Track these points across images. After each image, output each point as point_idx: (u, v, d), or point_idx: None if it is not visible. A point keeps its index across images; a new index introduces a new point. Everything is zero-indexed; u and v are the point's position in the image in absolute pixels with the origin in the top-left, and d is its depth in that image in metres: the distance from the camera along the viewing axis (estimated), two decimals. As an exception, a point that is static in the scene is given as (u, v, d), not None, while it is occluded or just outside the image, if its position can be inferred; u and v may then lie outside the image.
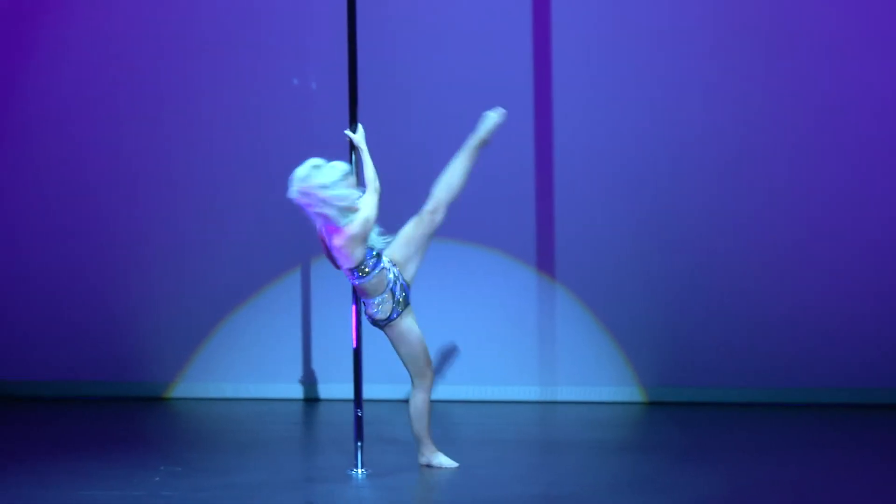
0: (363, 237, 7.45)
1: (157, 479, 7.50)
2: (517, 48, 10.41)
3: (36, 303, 10.89)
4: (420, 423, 7.73)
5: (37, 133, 10.87)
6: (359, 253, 7.48)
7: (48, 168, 10.86)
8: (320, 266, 10.17)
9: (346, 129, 7.78)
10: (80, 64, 10.81)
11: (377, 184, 7.54)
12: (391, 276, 7.60)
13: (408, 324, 7.65)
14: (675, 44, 10.25)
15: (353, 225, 7.42)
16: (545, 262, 10.42)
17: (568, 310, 10.38)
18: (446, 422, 9.44)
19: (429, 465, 7.77)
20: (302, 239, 10.26)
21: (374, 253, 7.57)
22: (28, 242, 10.88)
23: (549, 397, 10.39)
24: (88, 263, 10.83)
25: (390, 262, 7.64)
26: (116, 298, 10.81)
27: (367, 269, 7.53)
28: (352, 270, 7.54)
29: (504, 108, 8.04)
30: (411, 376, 7.71)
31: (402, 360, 7.73)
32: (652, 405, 10.24)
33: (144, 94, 10.75)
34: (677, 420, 9.63)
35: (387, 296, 7.58)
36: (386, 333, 7.70)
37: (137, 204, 10.79)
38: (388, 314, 7.60)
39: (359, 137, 7.69)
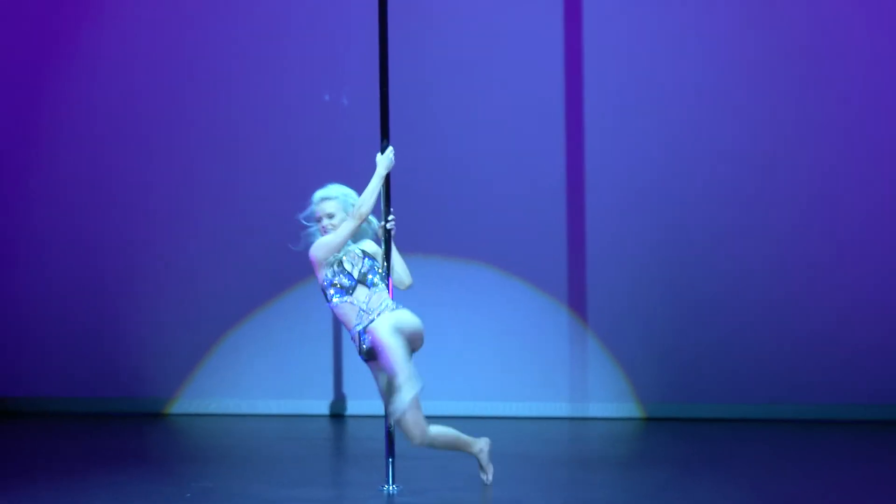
0: (322, 260, 7.37)
1: (189, 495, 7.47)
2: (548, 64, 10.41)
3: (38, 320, 10.88)
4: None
5: (50, 150, 10.88)
6: (321, 274, 7.44)
7: (53, 186, 10.86)
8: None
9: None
10: (106, 77, 10.82)
11: (362, 210, 7.37)
12: (361, 321, 7.40)
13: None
14: (703, 63, 10.24)
15: (315, 245, 7.41)
16: (574, 297, 10.42)
17: (571, 326, 10.39)
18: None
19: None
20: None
21: (336, 282, 7.41)
22: (28, 261, 10.87)
23: (578, 413, 10.39)
24: (91, 281, 10.81)
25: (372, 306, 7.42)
26: (118, 315, 10.79)
27: (330, 293, 7.44)
28: (322, 290, 7.51)
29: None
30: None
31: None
32: (650, 420, 10.25)
33: (169, 115, 10.76)
34: (679, 435, 9.67)
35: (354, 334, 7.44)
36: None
37: (140, 221, 10.79)
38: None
39: (380, 159, 7.59)
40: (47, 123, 10.87)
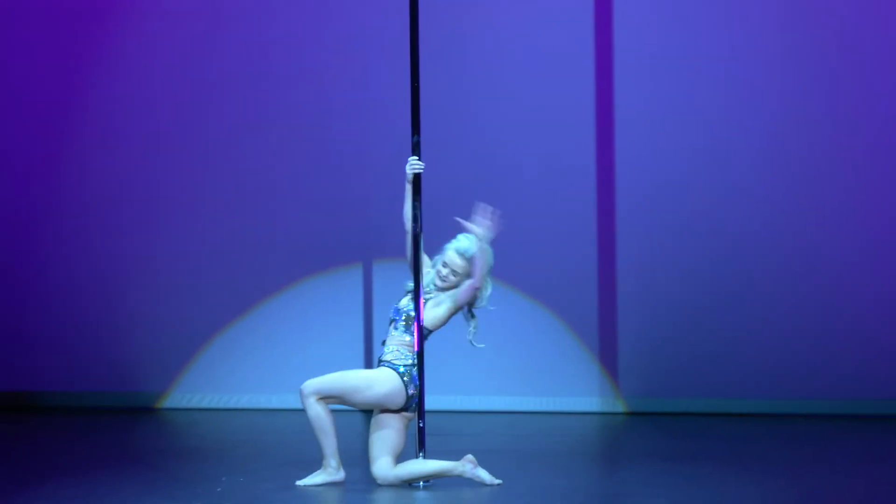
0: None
1: (219, 489, 7.46)
2: (579, 68, 10.41)
3: (32, 316, 10.87)
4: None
5: (55, 147, 10.88)
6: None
7: (54, 183, 10.85)
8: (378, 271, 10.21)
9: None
10: (122, 71, 10.81)
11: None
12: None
13: None
14: (735, 66, 10.22)
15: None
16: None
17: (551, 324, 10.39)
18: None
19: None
20: (345, 240, 10.26)
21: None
22: (24, 257, 10.85)
23: (609, 408, 10.40)
24: (87, 277, 10.81)
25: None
26: (113, 310, 10.79)
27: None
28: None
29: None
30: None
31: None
32: (633, 415, 10.32)
33: (176, 113, 10.75)
34: (661, 429, 9.71)
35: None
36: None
37: (137, 217, 10.78)
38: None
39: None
40: (54, 120, 10.85)
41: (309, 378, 7.41)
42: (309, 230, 10.61)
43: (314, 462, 7.74)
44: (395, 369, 7.37)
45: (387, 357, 7.44)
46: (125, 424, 9.97)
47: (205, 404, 10.69)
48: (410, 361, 7.40)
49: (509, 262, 10.37)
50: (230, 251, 10.70)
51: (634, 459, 8.71)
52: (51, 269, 10.83)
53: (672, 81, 10.32)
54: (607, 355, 10.37)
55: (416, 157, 7.51)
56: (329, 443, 7.40)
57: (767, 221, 10.25)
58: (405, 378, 7.37)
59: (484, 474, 7.40)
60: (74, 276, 10.81)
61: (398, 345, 7.43)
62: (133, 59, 10.77)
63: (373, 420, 7.46)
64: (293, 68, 10.66)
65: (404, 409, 7.43)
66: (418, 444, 7.58)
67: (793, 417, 10.09)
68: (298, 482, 7.45)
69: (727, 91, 10.27)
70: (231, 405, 10.68)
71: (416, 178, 7.52)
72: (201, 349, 10.74)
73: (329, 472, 7.45)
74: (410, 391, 7.38)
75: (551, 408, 10.42)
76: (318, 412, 7.33)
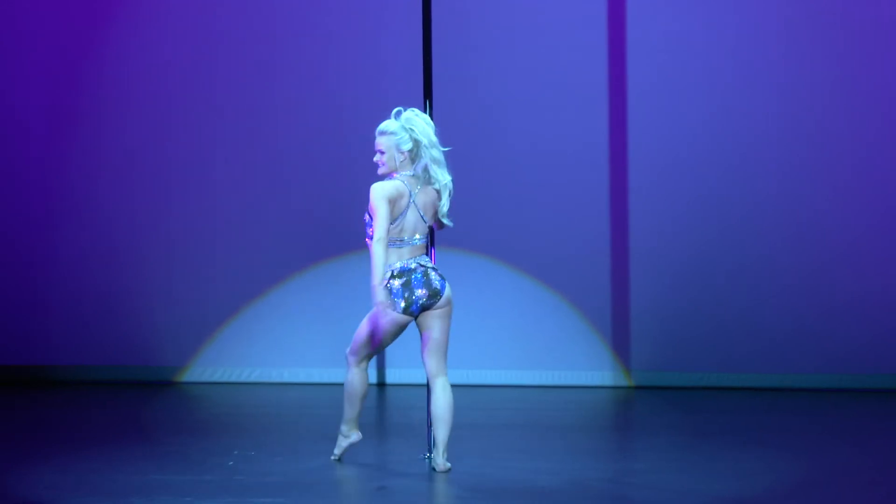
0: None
1: (231, 463, 7.47)
2: (591, 37, 10.36)
3: (51, 289, 10.88)
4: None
5: (65, 122, 10.86)
6: None
7: (68, 157, 10.83)
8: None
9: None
10: (134, 50, 10.78)
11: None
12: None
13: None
14: (747, 49, 10.18)
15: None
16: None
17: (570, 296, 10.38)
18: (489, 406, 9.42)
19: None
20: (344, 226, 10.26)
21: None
22: (42, 231, 10.85)
23: (620, 382, 10.38)
24: (105, 250, 10.80)
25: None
26: (131, 284, 10.79)
27: None
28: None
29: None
30: (441, 362, 7.37)
31: (436, 342, 7.31)
32: (646, 389, 10.27)
33: (189, 91, 10.71)
34: (675, 403, 9.70)
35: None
36: (437, 311, 7.29)
37: (158, 191, 10.77)
38: (441, 279, 7.32)
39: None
40: (69, 93, 10.83)
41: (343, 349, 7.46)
42: (329, 213, 10.57)
43: (329, 436, 7.74)
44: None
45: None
46: (143, 398, 10.00)
47: (224, 378, 10.69)
48: (388, 275, 7.23)
49: (521, 237, 10.39)
50: (253, 228, 10.68)
51: (644, 433, 8.71)
52: (70, 244, 10.83)
53: (685, 57, 10.26)
54: (619, 330, 10.34)
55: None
56: (349, 413, 7.42)
57: (779, 196, 10.20)
58: (389, 297, 7.21)
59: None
60: (95, 251, 10.81)
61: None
62: (145, 34, 10.74)
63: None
64: (312, 38, 10.63)
65: (421, 312, 7.26)
66: (429, 417, 7.57)
67: (802, 392, 10.06)
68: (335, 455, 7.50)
69: (740, 65, 10.21)
70: (252, 379, 10.67)
71: None
72: (222, 325, 10.74)
73: (345, 441, 7.48)
74: (399, 308, 7.22)
75: (561, 381, 10.39)
76: (351, 380, 7.36)
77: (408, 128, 7.23)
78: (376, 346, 7.34)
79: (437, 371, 7.29)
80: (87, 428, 8.81)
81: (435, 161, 7.26)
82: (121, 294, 10.79)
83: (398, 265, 7.23)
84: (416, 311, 7.24)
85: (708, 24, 10.25)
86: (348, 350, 7.39)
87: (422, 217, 7.26)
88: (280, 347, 10.68)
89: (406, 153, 7.24)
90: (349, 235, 10.03)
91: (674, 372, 10.32)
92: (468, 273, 10.31)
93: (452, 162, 7.15)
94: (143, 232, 10.78)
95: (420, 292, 7.22)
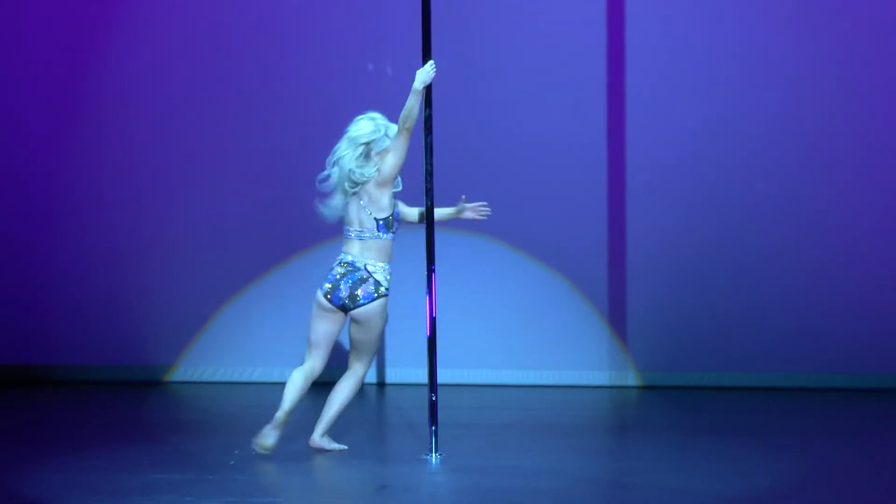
0: (389, 180, 7.52)
1: (232, 462, 7.46)
2: (591, 34, 10.36)
3: (44, 290, 10.86)
4: (342, 406, 7.68)
5: (64, 122, 10.84)
6: (386, 201, 7.54)
7: (66, 156, 10.81)
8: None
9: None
10: (136, 47, 10.76)
11: (408, 123, 7.45)
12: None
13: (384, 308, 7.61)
14: (747, 49, 10.18)
15: (383, 165, 7.52)
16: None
17: (569, 296, 10.36)
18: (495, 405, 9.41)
19: (322, 449, 7.69)
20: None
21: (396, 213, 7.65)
22: (34, 229, 10.83)
23: (619, 382, 10.37)
24: (99, 250, 10.77)
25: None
26: (126, 283, 10.77)
27: (395, 226, 7.62)
28: (378, 223, 7.54)
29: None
30: (355, 360, 7.68)
31: (355, 342, 7.65)
32: (647, 388, 10.24)
33: (190, 87, 10.69)
34: (676, 402, 9.67)
35: (387, 268, 7.58)
36: (354, 316, 7.57)
37: (148, 189, 10.75)
38: (371, 293, 7.53)
39: (419, 72, 7.55)
40: (67, 92, 10.82)
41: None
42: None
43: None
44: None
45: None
46: (143, 398, 10.00)
47: (213, 378, 10.67)
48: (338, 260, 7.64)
49: (521, 235, 10.38)
50: (235, 225, 10.66)
51: (644, 432, 8.70)
52: (71, 244, 10.81)
53: (684, 57, 10.25)
54: (618, 329, 10.33)
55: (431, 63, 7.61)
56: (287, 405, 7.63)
57: (778, 196, 10.20)
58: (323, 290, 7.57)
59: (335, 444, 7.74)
60: (95, 251, 10.79)
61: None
62: (147, 34, 10.73)
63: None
64: (311, 38, 10.62)
65: (341, 309, 7.54)
66: (430, 417, 7.57)
67: (803, 391, 10.05)
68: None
69: (740, 65, 10.21)
70: (252, 379, 10.66)
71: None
72: (223, 324, 10.72)
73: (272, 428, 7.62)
74: (325, 296, 7.54)
75: (561, 381, 10.38)
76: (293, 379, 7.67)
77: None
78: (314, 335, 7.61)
79: (350, 364, 7.71)
80: (88, 427, 8.81)
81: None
82: (121, 294, 10.78)
83: (349, 258, 7.58)
84: (336, 304, 7.53)
85: (708, 24, 10.24)
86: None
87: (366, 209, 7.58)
88: (280, 346, 10.67)
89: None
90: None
91: (673, 371, 10.32)
92: (470, 272, 10.31)
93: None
94: (143, 232, 10.77)
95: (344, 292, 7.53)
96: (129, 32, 10.77)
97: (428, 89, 7.62)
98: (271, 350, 10.67)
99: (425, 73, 7.53)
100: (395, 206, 7.61)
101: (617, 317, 10.37)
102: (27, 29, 10.79)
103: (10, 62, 10.82)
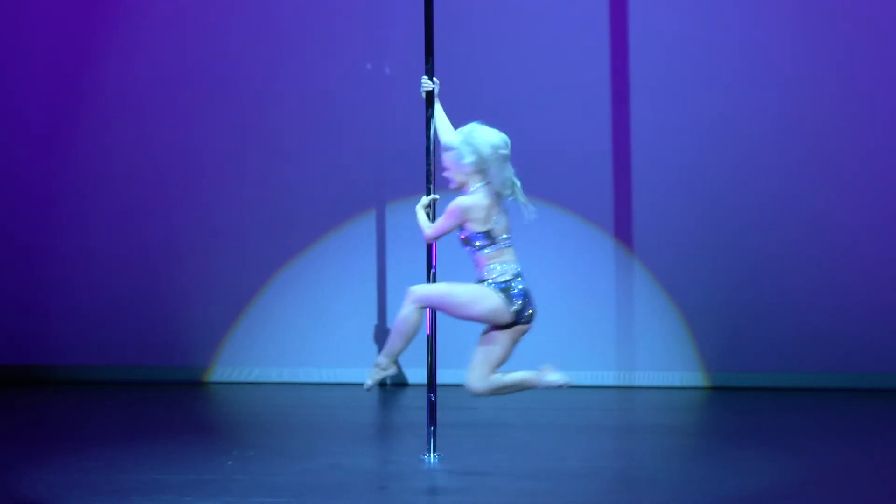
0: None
1: (230, 462, 7.47)
2: (593, 35, 10.35)
3: (39, 290, 10.86)
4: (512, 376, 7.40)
5: (92, 121, 10.84)
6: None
7: (96, 155, 10.81)
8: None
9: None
10: (153, 46, 10.76)
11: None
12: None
13: None
14: (749, 49, 10.17)
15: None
16: (623, 232, 10.35)
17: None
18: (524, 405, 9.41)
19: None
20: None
21: None
22: (70, 229, 10.83)
23: (625, 382, 10.33)
24: (132, 248, 10.78)
25: None
26: (159, 283, 10.77)
27: None
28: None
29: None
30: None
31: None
32: (647, 389, 10.20)
33: (208, 86, 10.69)
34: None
35: None
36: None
37: (181, 188, 10.75)
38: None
39: (418, 206, 7.48)
40: (90, 92, 10.83)
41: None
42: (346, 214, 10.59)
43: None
44: (497, 287, 7.22)
45: (486, 276, 7.28)
46: (143, 398, 10.01)
47: (225, 378, 10.67)
48: (508, 277, 7.26)
49: (521, 235, 10.36)
50: (253, 227, 10.67)
51: (645, 432, 8.69)
52: (71, 244, 10.80)
53: (686, 57, 10.25)
54: (621, 330, 10.33)
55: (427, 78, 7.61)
56: (397, 347, 7.37)
57: (783, 196, 10.18)
58: (504, 294, 7.21)
59: (555, 377, 7.33)
60: (95, 251, 10.78)
61: (487, 262, 7.28)
62: (147, 34, 10.73)
63: (482, 333, 7.32)
64: (312, 39, 10.62)
65: (515, 323, 7.25)
66: (429, 417, 7.57)
67: (805, 391, 10.04)
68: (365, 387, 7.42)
69: (746, 58, 10.19)
70: (252, 379, 10.66)
71: (429, 96, 7.62)
72: (225, 323, 10.72)
73: (378, 371, 7.43)
74: (515, 307, 7.22)
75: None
76: (410, 318, 7.28)
77: (469, 142, 7.27)
78: (454, 313, 7.26)
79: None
80: (88, 428, 8.82)
81: (500, 169, 7.30)
82: (122, 293, 10.78)
83: (517, 267, 7.31)
84: (520, 321, 7.24)
85: (709, 24, 10.24)
86: (414, 289, 7.29)
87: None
88: (280, 347, 10.68)
89: (469, 166, 7.27)
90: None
91: (677, 371, 10.31)
92: (470, 272, 10.29)
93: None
94: (144, 231, 10.77)
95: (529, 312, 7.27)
96: (130, 32, 10.77)
97: (430, 61, 7.60)
98: (272, 350, 10.68)
99: (422, 205, 7.45)
100: None
101: (619, 318, 10.36)
102: (27, 29, 10.80)
103: (10, 62, 10.82)
